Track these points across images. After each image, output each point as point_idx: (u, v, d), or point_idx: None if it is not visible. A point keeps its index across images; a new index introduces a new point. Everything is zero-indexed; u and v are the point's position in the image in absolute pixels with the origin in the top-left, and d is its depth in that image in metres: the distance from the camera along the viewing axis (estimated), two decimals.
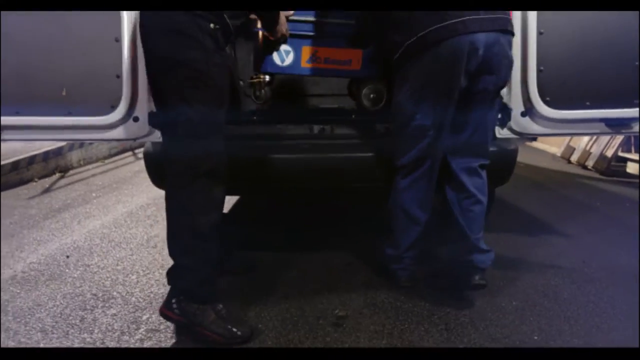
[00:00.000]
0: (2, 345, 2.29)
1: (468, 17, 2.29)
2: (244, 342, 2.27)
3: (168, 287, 2.36)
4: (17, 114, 2.61)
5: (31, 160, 5.83)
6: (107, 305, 2.65)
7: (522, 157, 6.48)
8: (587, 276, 2.93)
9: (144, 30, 2.23)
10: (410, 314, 2.51)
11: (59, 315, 2.55)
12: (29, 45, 2.59)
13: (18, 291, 2.82)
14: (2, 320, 2.50)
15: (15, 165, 5.56)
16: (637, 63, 2.51)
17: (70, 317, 2.52)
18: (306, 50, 2.93)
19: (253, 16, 2.65)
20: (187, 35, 2.13)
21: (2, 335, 2.36)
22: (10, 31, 2.56)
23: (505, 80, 2.52)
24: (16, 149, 5.90)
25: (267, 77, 2.99)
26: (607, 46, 2.54)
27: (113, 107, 2.58)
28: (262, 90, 3.01)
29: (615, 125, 2.61)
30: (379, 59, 2.91)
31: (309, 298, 2.67)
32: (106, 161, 7.06)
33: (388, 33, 2.49)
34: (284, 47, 2.89)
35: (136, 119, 2.64)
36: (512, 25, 2.43)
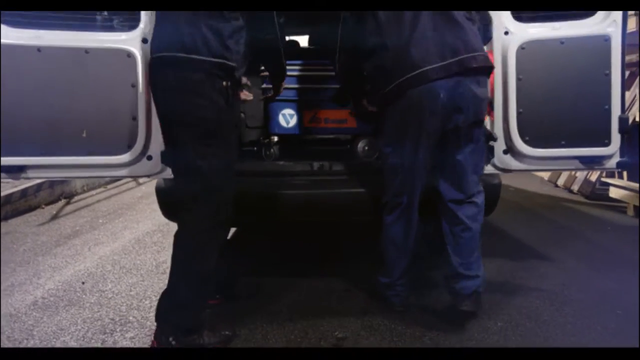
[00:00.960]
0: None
1: (430, 67, 2.53)
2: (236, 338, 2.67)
3: None
4: (43, 154, 2.85)
5: (38, 187, 6.05)
6: (125, 329, 2.87)
7: (512, 181, 6.81)
8: (566, 298, 3.17)
9: (159, 86, 2.43)
10: (403, 335, 2.75)
11: (82, 338, 2.77)
12: (54, 92, 2.82)
13: (41, 316, 3.05)
14: (29, 344, 2.72)
15: (24, 192, 5.79)
16: (606, 107, 2.78)
17: (93, 340, 2.75)
18: (307, 114, 3.28)
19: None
20: (201, 94, 2.34)
21: None
22: (37, 79, 2.80)
23: (477, 116, 2.69)
24: None
25: (275, 138, 3.34)
26: (579, 91, 2.80)
27: (129, 147, 2.79)
28: (272, 149, 3.33)
29: (588, 162, 2.88)
30: (359, 113, 3.25)
31: (311, 321, 2.91)
32: (108, 187, 7.29)
33: (370, 81, 2.81)
34: (288, 111, 3.24)
35: (150, 158, 2.85)
36: (482, 61, 2.61)
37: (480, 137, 2.80)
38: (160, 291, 3.30)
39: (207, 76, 2.34)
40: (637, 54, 5.80)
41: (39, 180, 6.04)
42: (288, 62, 3.31)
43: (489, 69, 2.68)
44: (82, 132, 2.81)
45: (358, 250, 4.15)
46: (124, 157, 2.82)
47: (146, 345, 2.69)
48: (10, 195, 5.57)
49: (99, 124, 2.80)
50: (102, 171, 2.93)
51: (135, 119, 2.78)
